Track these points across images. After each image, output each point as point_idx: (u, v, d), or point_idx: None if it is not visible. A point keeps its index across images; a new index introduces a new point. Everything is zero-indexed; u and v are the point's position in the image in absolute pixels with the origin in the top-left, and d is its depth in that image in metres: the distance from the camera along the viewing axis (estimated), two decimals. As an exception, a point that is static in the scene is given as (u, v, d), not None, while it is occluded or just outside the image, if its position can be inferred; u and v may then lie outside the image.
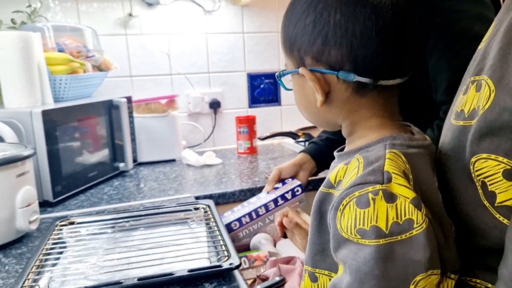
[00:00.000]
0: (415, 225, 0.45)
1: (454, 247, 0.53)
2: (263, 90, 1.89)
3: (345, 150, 0.60)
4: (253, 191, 1.24)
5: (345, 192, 0.48)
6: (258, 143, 1.73)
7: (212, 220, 0.92)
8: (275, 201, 1.02)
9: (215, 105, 1.81)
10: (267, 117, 1.90)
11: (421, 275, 0.45)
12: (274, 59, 1.87)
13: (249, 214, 1.00)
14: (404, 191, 0.46)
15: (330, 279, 0.57)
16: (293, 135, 1.68)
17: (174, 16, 1.71)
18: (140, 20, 1.66)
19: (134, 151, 1.53)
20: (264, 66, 1.86)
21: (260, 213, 1.01)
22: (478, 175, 0.48)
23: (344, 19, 0.51)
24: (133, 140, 1.52)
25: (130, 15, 1.63)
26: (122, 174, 1.45)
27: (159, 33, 1.70)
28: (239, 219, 1.00)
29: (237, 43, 1.81)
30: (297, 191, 1.04)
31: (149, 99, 1.60)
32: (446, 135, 0.55)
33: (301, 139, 1.70)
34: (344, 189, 0.49)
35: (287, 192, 1.03)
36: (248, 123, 1.65)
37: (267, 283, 0.90)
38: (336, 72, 0.53)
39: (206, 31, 1.76)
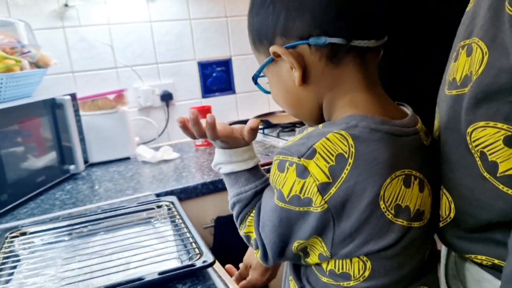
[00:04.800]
0: (313, 205, 0.50)
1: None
2: (215, 78, 1.84)
3: None
4: (216, 184, 1.20)
5: (278, 151, 0.53)
6: (215, 133, 1.69)
7: (178, 217, 0.88)
8: None
9: (167, 97, 1.74)
10: (222, 107, 1.85)
11: (302, 241, 0.53)
12: (224, 46, 1.82)
13: None
14: (318, 173, 0.49)
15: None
16: (250, 122, 1.65)
17: (115, 4, 1.61)
18: (78, 11, 1.55)
19: (84, 151, 1.44)
20: (214, 54, 1.81)
21: None
22: (476, 146, 0.45)
23: None
24: (82, 140, 1.43)
25: (66, 5, 1.51)
26: (73, 177, 1.36)
27: (100, 23, 1.60)
28: None
29: (184, 30, 1.74)
30: None
31: (96, 95, 1.50)
32: (442, 108, 0.51)
33: (259, 126, 1.68)
34: (281, 147, 0.53)
35: None
36: (204, 113, 1.58)
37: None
38: (306, 41, 0.52)
39: (150, 19, 1.68)
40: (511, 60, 0.40)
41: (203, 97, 1.83)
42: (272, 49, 0.54)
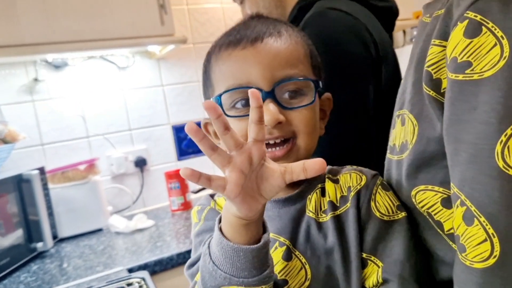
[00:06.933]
0: None
1: None
2: (191, 141, 1.82)
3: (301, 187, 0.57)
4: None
5: (371, 182, 0.53)
6: (192, 197, 1.65)
7: (149, 295, 0.82)
8: None
9: (141, 163, 1.71)
10: (198, 168, 1.82)
11: None
12: (198, 108, 1.83)
13: None
14: None
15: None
16: (226, 184, 1.63)
17: (86, 76, 1.61)
18: (48, 84, 1.55)
19: (53, 226, 1.38)
20: (188, 117, 1.81)
21: None
22: (422, 207, 0.49)
23: None
24: (51, 214, 1.37)
25: (36, 80, 1.51)
26: (40, 255, 1.28)
27: (71, 95, 1.59)
28: None
29: (157, 96, 1.75)
30: None
31: (66, 166, 1.46)
32: (390, 171, 0.55)
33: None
34: (366, 183, 0.53)
35: None
36: (179, 177, 1.57)
37: None
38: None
39: (122, 88, 1.68)
40: (437, 130, 0.44)
41: (179, 159, 1.81)
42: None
